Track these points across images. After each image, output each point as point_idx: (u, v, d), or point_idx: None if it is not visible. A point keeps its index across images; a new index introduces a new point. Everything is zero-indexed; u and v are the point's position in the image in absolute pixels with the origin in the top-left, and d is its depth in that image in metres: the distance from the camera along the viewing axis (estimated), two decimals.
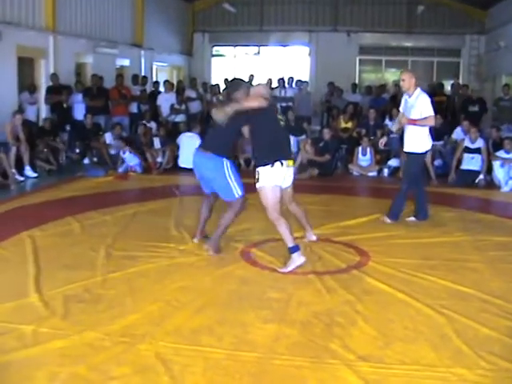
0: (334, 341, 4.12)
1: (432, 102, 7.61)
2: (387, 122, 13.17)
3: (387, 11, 21.83)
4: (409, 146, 7.64)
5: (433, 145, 11.68)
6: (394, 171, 11.78)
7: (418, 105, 7.49)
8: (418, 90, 7.61)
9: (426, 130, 7.62)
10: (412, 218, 7.80)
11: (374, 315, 4.60)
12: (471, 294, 5.10)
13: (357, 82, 20.36)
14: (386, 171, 11.86)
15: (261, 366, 3.78)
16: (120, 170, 11.72)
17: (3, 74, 12.15)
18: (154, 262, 5.87)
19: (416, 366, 3.79)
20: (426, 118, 7.44)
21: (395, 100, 14.94)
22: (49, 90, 13.37)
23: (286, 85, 16.22)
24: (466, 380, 3.63)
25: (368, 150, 11.99)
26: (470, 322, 4.45)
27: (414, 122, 7.48)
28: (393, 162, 12.03)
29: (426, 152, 7.89)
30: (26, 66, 13.38)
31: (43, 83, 13.59)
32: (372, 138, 12.55)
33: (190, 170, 11.39)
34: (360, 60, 22.52)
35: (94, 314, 4.58)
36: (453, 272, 5.68)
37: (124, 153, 11.79)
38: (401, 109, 7.95)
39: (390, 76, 22.68)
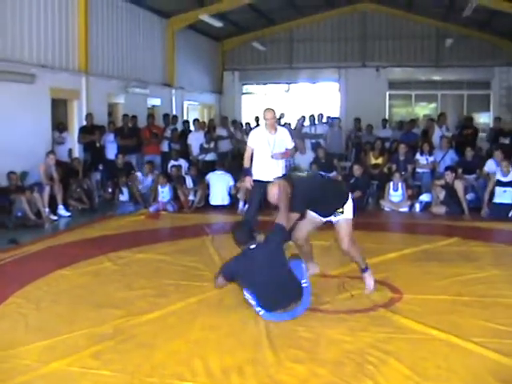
0: (365, 381, 4.06)
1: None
2: (418, 156, 13.08)
3: (415, 45, 21.94)
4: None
5: (465, 178, 11.77)
6: (426, 206, 11.67)
7: (286, 138, 8.26)
8: (277, 126, 8.42)
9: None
10: None
11: (406, 353, 4.52)
12: (506, 331, 4.97)
13: (387, 117, 20.42)
14: (417, 206, 11.74)
15: None
16: (151, 208, 11.73)
17: (37, 116, 12.37)
18: (186, 301, 5.86)
19: None
20: (290, 149, 8.36)
21: (426, 134, 14.95)
22: (82, 130, 13.57)
23: (316, 121, 16.20)
24: None
25: (400, 185, 11.89)
26: (505, 361, 4.34)
27: (287, 155, 8.24)
28: (424, 197, 11.93)
29: None
30: (59, 106, 13.63)
31: (76, 123, 13.80)
32: (403, 173, 12.48)
33: (221, 208, 11.69)
34: (390, 95, 22.56)
35: (123, 353, 4.58)
36: (487, 309, 5.58)
37: (163, 187, 11.87)
38: (252, 144, 8.30)
39: (420, 110, 22.70)
